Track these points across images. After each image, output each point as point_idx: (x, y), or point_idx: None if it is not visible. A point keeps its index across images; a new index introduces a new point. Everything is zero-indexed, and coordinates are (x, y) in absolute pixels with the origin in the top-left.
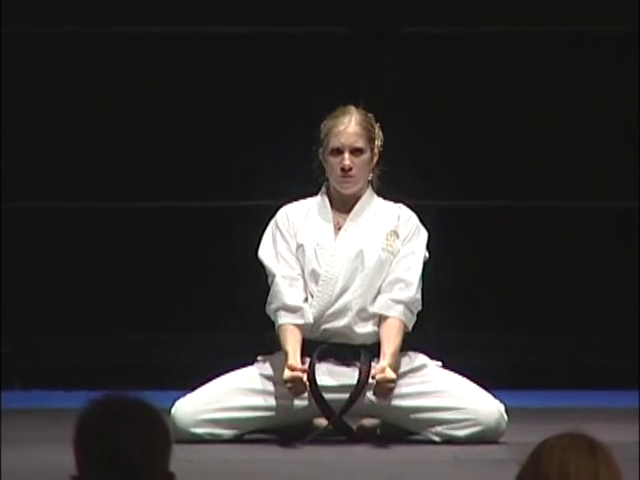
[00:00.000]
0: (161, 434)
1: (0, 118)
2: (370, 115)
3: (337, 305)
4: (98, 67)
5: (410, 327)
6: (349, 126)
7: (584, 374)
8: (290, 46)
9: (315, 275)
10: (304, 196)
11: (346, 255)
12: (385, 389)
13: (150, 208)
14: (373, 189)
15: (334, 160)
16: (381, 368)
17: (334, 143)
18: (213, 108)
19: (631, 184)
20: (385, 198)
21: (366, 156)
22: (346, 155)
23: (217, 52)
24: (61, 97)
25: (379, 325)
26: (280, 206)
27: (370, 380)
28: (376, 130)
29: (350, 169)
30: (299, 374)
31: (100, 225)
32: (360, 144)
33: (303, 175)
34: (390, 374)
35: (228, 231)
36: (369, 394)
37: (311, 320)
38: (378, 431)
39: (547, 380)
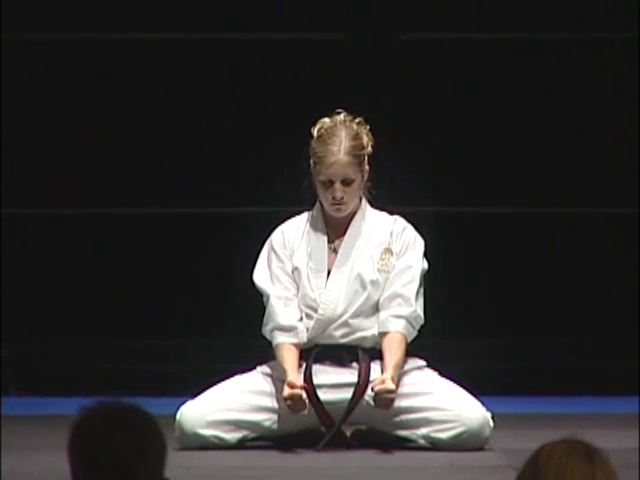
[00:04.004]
0: (156, 440)
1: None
2: (358, 122)
3: (335, 324)
4: (98, 73)
5: (409, 340)
6: (339, 156)
7: (583, 380)
8: (286, 52)
9: (313, 300)
10: (300, 204)
11: (343, 279)
12: (385, 400)
13: (150, 214)
14: (367, 198)
15: (325, 190)
16: (381, 380)
17: (324, 175)
18: (211, 115)
19: (630, 190)
20: (381, 209)
21: (357, 181)
22: (337, 186)
23: (213, 59)
24: (60, 103)
25: (379, 337)
26: (277, 224)
27: (369, 392)
28: (365, 144)
29: (342, 198)
30: (299, 391)
31: (99, 231)
32: (350, 174)
33: (299, 182)
34: (389, 385)
35: (228, 237)
36: (366, 396)
37: (305, 340)
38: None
39: (545, 386)
